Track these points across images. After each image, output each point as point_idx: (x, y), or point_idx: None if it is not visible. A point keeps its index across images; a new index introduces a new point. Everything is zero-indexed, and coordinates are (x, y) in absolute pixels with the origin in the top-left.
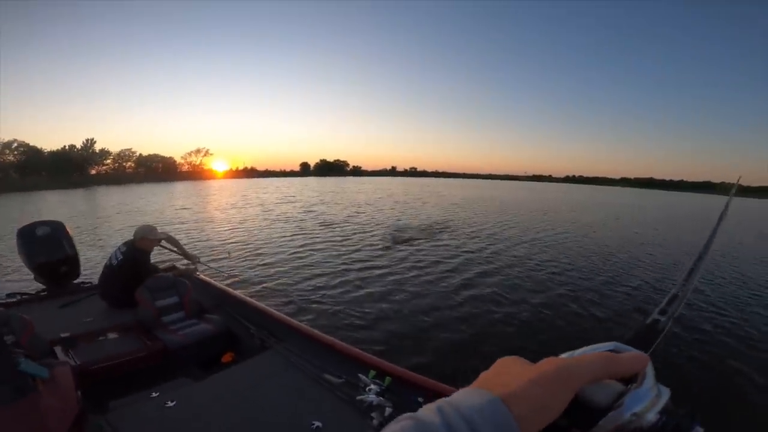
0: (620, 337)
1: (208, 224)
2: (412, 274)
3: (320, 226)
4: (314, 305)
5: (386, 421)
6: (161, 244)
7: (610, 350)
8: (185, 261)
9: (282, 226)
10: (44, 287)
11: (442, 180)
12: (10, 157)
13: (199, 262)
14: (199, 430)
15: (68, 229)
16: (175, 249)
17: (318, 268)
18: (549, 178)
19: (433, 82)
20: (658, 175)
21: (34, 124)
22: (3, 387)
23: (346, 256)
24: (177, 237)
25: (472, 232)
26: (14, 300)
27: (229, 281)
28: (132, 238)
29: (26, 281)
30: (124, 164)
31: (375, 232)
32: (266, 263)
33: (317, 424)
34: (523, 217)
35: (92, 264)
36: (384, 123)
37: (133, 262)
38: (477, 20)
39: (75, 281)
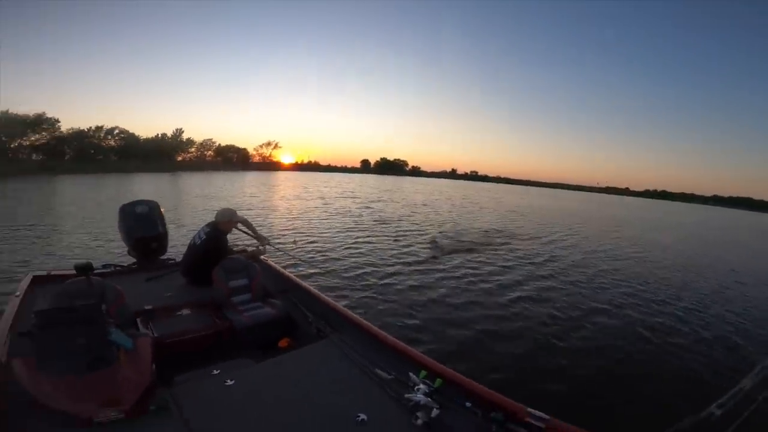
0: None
1: (273, 212)
2: (464, 279)
3: (376, 222)
4: (365, 298)
5: (432, 422)
6: (237, 226)
7: None
8: (255, 243)
9: (341, 219)
10: (135, 261)
11: (503, 186)
12: (111, 142)
13: (268, 244)
14: (253, 410)
15: (162, 209)
16: (250, 232)
17: (372, 263)
18: (625, 191)
19: (501, 82)
20: (757, 195)
21: (133, 113)
22: (90, 356)
23: (398, 254)
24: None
25: (532, 243)
26: (109, 270)
27: (292, 268)
28: (214, 220)
29: (120, 254)
30: (205, 153)
31: (429, 233)
32: (323, 253)
33: (363, 416)
34: (592, 232)
35: (173, 242)
36: (447, 124)
37: (215, 243)
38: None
39: (161, 257)
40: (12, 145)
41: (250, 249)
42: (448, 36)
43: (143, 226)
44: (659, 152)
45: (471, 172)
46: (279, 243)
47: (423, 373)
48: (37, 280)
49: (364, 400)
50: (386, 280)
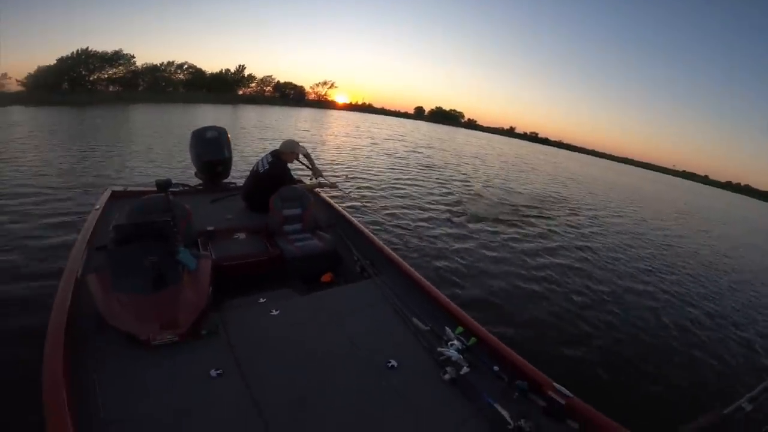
0: (691, 425)
1: (323, 147)
2: (499, 235)
3: (421, 167)
4: (405, 240)
5: (459, 379)
6: (299, 159)
7: None
8: (311, 175)
9: (388, 159)
10: (201, 183)
11: (564, 152)
12: (180, 76)
13: (322, 178)
14: (292, 343)
15: (229, 136)
16: (309, 165)
17: (410, 205)
18: (704, 179)
19: (578, 40)
20: None
21: (202, 50)
22: (158, 275)
23: (438, 200)
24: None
25: (581, 214)
26: (177, 190)
27: (340, 201)
28: (278, 149)
29: (189, 175)
30: (265, 88)
31: (473, 185)
32: (367, 190)
33: (393, 363)
34: (652, 215)
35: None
36: (512, 81)
37: (278, 171)
38: None
39: (225, 180)
40: (91, 78)
41: (309, 182)
42: None
43: (212, 150)
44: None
45: (531, 132)
46: (332, 177)
47: (459, 329)
48: (115, 195)
49: (397, 347)
50: (421, 224)
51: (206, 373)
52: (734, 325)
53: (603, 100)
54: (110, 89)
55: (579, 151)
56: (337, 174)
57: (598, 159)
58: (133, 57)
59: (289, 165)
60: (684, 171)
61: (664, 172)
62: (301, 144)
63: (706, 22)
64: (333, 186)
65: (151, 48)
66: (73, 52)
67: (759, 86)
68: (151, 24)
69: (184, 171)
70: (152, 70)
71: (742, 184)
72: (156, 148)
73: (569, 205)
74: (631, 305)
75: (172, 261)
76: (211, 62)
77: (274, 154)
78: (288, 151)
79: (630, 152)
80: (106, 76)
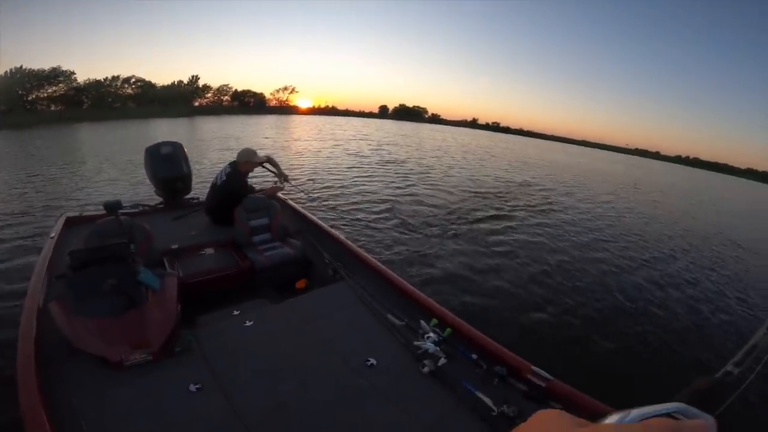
0: (684, 392)
1: (285, 152)
2: (457, 221)
3: (384, 162)
4: (371, 236)
5: (437, 370)
6: (264, 165)
7: (674, 413)
8: (275, 179)
9: (350, 159)
10: (161, 201)
11: (524, 139)
12: (129, 90)
13: (287, 182)
14: (268, 351)
15: (185, 150)
16: (275, 170)
17: (372, 199)
18: (656, 155)
19: (528, 33)
20: None
21: (149, 62)
22: (121, 297)
23: (398, 193)
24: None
25: (541, 198)
26: (137, 210)
27: (308, 205)
28: (235, 159)
29: (147, 194)
30: (222, 98)
31: (433, 175)
32: (331, 190)
33: (372, 361)
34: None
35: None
36: (471, 74)
37: (234, 183)
38: None
39: (186, 197)
40: (29, 98)
41: (269, 183)
42: None
43: (168, 166)
44: (697, 118)
45: (493, 122)
46: (297, 180)
47: (434, 321)
48: (70, 222)
49: (374, 345)
50: (385, 218)
51: (185, 388)
52: (706, 292)
53: (561, 87)
54: (52, 108)
55: (539, 138)
56: (301, 177)
57: (556, 143)
58: (73, 73)
59: (257, 172)
60: (636, 149)
61: (617, 151)
62: (260, 152)
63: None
64: (286, 180)
65: (93, 63)
66: (6, 72)
67: (698, 58)
68: (88, 38)
69: (137, 189)
70: (96, 86)
71: (690, 156)
72: (107, 169)
73: (524, 189)
74: (597, 279)
75: (133, 282)
76: (161, 74)
77: (232, 164)
78: (244, 161)
79: (587, 135)
80: (45, 95)
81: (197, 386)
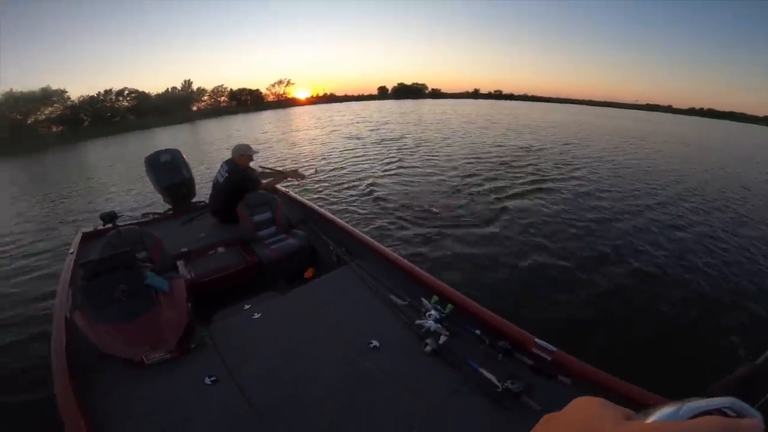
0: (725, 380)
1: (285, 144)
2: (459, 191)
3: (381, 141)
4: (374, 217)
5: (440, 348)
6: (262, 167)
7: (727, 408)
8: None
9: (348, 142)
10: (169, 207)
11: (527, 103)
12: (125, 103)
13: (290, 177)
14: (277, 340)
15: (183, 155)
16: (269, 169)
17: (369, 174)
18: (668, 109)
19: None
20: None
21: (140, 72)
22: (133, 301)
23: (398, 169)
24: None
25: (542, 162)
26: (148, 219)
27: (309, 196)
28: (231, 156)
29: (158, 203)
30: (219, 99)
31: (433, 148)
32: (336, 178)
33: (375, 343)
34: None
35: (203, 184)
36: (470, 43)
37: (239, 176)
38: None
39: (193, 200)
40: (28, 122)
41: (265, 181)
42: None
43: (169, 173)
44: (704, 70)
45: (495, 91)
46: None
47: (435, 298)
48: (86, 236)
49: (377, 327)
50: (390, 196)
51: (200, 382)
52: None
53: (564, 47)
54: (53, 130)
55: (543, 101)
56: (314, 169)
57: (560, 105)
58: (65, 92)
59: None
60: (647, 104)
61: (626, 108)
62: (253, 147)
63: None
64: (283, 175)
65: (82, 80)
66: None
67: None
68: (70, 54)
69: (149, 198)
70: (91, 102)
71: (705, 108)
72: (119, 182)
73: (525, 155)
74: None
75: (142, 286)
76: (153, 83)
77: (229, 162)
78: (239, 155)
79: (593, 94)
80: (43, 116)
81: (212, 379)
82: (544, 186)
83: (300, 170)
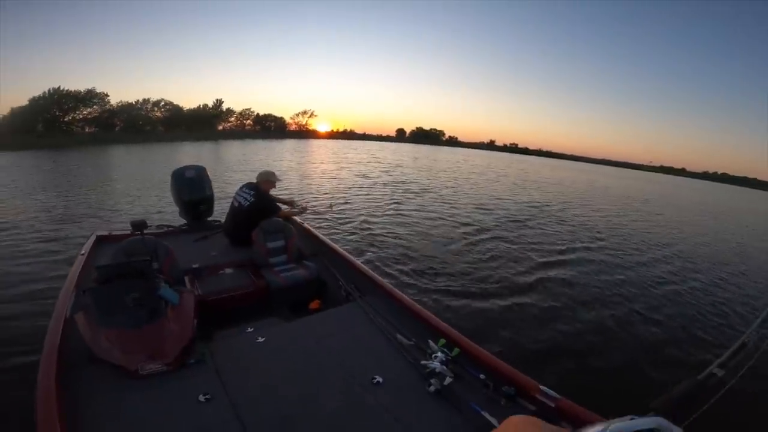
0: (662, 398)
1: (301, 177)
2: (458, 240)
3: (390, 183)
4: (385, 258)
5: (444, 389)
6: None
7: (653, 429)
8: (295, 204)
9: (359, 181)
10: (185, 222)
11: (541, 159)
12: (158, 114)
13: (305, 209)
14: (278, 366)
15: (208, 174)
16: (286, 199)
17: (372, 214)
18: (681, 172)
19: (545, 54)
20: None
21: (178, 85)
22: (142, 310)
23: (396, 209)
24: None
25: (544, 214)
26: (162, 231)
27: (323, 230)
28: (256, 181)
29: (173, 216)
30: (244, 122)
31: (435, 193)
32: (349, 214)
33: (378, 379)
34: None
35: (219, 205)
36: (489, 96)
37: (263, 202)
38: None
39: (208, 219)
40: (65, 119)
41: (286, 208)
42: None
43: (192, 189)
44: (723, 132)
45: (510, 144)
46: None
47: (442, 341)
48: (100, 240)
49: (382, 364)
50: (399, 237)
51: (194, 398)
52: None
53: (584, 106)
54: (86, 130)
55: (556, 157)
56: (329, 203)
57: (574, 163)
58: (107, 96)
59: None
60: (661, 166)
61: (640, 169)
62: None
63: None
64: (303, 210)
65: (124, 85)
66: (44, 92)
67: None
68: (121, 61)
69: (162, 211)
70: (128, 109)
71: (718, 172)
72: (139, 191)
73: (524, 208)
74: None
75: (154, 297)
76: (186, 97)
77: (252, 186)
78: (265, 180)
79: (607, 154)
80: (80, 116)
81: (206, 396)
82: (564, 256)
83: (317, 207)
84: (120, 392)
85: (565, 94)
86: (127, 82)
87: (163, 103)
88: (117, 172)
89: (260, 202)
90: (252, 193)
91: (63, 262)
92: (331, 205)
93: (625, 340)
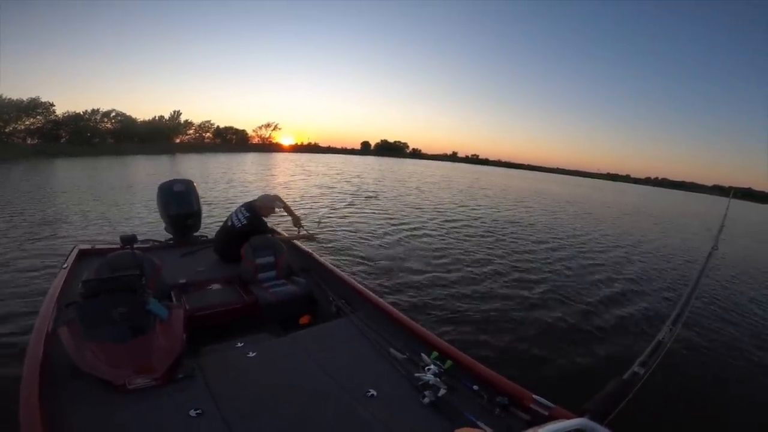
0: (594, 399)
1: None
2: (403, 243)
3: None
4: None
5: (438, 401)
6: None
7: (579, 430)
8: (293, 227)
9: (319, 191)
10: (171, 237)
11: (498, 169)
12: (108, 125)
13: (302, 228)
14: (269, 381)
15: (197, 188)
16: (288, 213)
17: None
18: (626, 178)
19: (501, 67)
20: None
21: (130, 96)
22: (129, 324)
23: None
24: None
25: (469, 218)
26: (148, 246)
27: (313, 247)
28: (253, 201)
29: (159, 230)
30: (204, 135)
31: (390, 201)
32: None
33: (372, 392)
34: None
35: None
36: (450, 109)
37: (255, 225)
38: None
39: (195, 234)
40: (6, 130)
41: (287, 233)
42: (450, 23)
43: (180, 203)
44: (662, 141)
45: (472, 155)
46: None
47: (434, 354)
48: (83, 254)
49: (375, 377)
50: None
51: (185, 413)
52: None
53: (541, 119)
54: (28, 142)
55: (513, 167)
56: (317, 219)
57: (529, 172)
58: (53, 105)
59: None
60: (608, 173)
61: (589, 177)
62: (273, 194)
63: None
64: (311, 238)
65: (72, 96)
66: None
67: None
68: (69, 68)
69: (147, 225)
70: (75, 120)
71: (659, 178)
72: (92, 206)
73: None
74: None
75: (142, 311)
76: (141, 109)
77: (249, 208)
78: (265, 206)
79: (560, 162)
80: (23, 127)
81: (197, 411)
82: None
83: (310, 231)
84: (107, 406)
85: (524, 107)
86: (75, 92)
87: (114, 113)
88: (72, 188)
89: (252, 227)
90: (248, 215)
91: (42, 275)
92: (318, 221)
93: (553, 343)
